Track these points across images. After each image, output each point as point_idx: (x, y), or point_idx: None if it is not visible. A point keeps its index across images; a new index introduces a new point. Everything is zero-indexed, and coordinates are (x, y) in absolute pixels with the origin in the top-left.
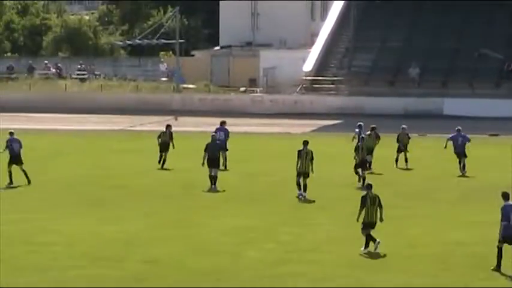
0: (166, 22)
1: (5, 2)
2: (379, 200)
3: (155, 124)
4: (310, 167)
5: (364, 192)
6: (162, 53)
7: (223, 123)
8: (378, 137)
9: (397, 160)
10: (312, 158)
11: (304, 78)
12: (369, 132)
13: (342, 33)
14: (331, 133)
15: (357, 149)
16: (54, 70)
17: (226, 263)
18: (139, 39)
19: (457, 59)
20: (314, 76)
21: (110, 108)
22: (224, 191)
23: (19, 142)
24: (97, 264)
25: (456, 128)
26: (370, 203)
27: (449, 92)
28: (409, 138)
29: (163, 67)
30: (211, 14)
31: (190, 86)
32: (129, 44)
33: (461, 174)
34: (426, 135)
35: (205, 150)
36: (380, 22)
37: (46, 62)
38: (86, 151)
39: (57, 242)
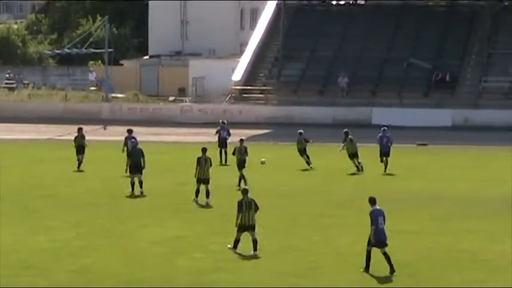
0: (96, 31)
1: None
2: (255, 204)
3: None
4: (209, 174)
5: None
6: (91, 62)
7: (130, 131)
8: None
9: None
10: (211, 165)
11: (233, 87)
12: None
13: (271, 42)
14: (261, 142)
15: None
16: None
17: (157, 272)
18: (68, 48)
19: (386, 68)
20: (243, 85)
21: (38, 118)
22: (148, 198)
23: None
24: (27, 274)
25: (382, 128)
26: (246, 208)
27: (378, 102)
28: (307, 142)
29: (92, 76)
30: (140, 23)
31: (119, 95)
32: (58, 53)
33: (384, 173)
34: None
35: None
36: (309, 31)
37: None
38: (15, 160)
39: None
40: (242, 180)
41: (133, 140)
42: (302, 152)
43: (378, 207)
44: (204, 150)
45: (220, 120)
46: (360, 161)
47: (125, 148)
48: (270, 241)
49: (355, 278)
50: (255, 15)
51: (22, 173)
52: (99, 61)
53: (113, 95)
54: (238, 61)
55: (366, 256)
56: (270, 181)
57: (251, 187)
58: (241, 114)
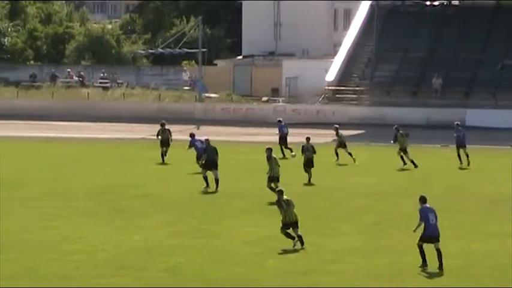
0: (189, 31)
1: (28, 10)
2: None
3: (177, 133)
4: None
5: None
6: (184, 62)
7: (192, 135)
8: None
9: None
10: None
11: (326, 88)
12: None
13: (365, 43)
14: (353, 143)
15: None
16: (76, 78)
17: (248, 272)
18: (162, 48)
19: (480, 69)
20: (336, 86)
21: (131, 117)
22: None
23: None
24: (119, 273)
25: (456, 123)
26: (286, 205)
27: (472, 103)
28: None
29: (185, 76)
30: (234, 24)
31: (213, 95)
32: (152, 53)
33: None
34: (449, 146)
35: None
36: (403, 32)
37: (69, 70)
38: (108, 160)
39: (80, 250)
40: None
41: (198, 141)
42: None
43: (427, 205)
44: (269, 150)
45: (278, 119)
46: (410, 157)
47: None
48: (364, 242)
49: (451, 280)
50: (348, 16)
51: (116, 172)
52: (193, 61)
53: (206, 95)
54: (332, 61)
55: (420, 252)
56: (362, 181)
57: (341, 188)
58: (334, 115)
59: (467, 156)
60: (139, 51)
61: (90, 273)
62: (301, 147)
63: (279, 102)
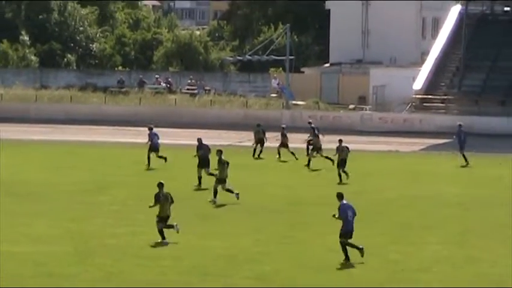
0: (277, 38)
1: (117, 16)
2: (171, 197)
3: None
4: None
5: None
6: (272, 69)
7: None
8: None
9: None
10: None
11: (413, 96)
12: None
13: (453, 52)
14: (440, 152)
15: None
16: (164, 84)
17: (334, 280)
18: (250, 55)
19: None
20: (424, 94)
21: (219, 123)
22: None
23: None
24: (205, 280)
25: (458, 123)
26: (164, 200)
27: None
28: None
29: (274, 82)
30: (321, 31)
31: (300, 102)
32: (239, 60)
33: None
34: None
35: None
36: (492, 41)
37: (157, 76)
38: (193, 165)
39: (165, 256)
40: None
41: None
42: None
43: (345, 201)
44: (220, 152)
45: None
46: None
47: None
48: (452, 252)
49: None
50: (436, 25)
51: (202, 178)
52: (280, 68)
53: (293, 102)
54: (419, 70)
55: (342, 249)
56: (448, 191)
57: (428, 197)
58: (421, 123)
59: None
60: (227, 57)
61: (175, 279)
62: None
63: (366, 110)
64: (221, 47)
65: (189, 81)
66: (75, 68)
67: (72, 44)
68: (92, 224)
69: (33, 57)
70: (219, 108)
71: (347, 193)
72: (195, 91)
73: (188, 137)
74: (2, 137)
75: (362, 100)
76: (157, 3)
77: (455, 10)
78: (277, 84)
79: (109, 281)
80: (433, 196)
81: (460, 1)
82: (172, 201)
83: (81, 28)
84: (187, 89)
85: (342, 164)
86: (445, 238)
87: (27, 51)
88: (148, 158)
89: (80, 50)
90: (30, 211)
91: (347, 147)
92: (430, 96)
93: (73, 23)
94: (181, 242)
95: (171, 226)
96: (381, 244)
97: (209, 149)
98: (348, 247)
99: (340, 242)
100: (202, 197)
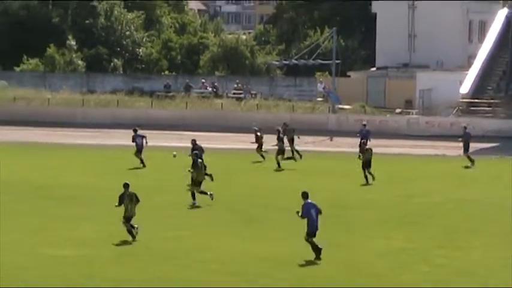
0: (323, 42)
1: (163, 20)
2: (136, 197)
3: (310, 144)
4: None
5: None
6: (318, 73)
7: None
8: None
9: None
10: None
11: (460, 100)
12: None
13: (500, 56)
14: (486, 156)
15: None
16: (210, 89)
17: (381, 284)
18: (296, 59)
19: None
20: (471, 98)
21: (265, 127)
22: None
23: None
24: (250, 283)
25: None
26: (129, 200)
27: None
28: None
29: (320, 86)
30: (367, 35)
31: (346, 106)
32: (286, 64)
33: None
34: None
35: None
36: None
37: (203, 80)
38: (241, 169)
39: (212, 260)
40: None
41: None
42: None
43: (309, 200)
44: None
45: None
46: None
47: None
48: (498, 256)
49: None
50: (483, 28)
51: (248, 182)
52: (326, 72)
53: (340, 106)
54: (466, 74)
55: (312, 247)
56: (495, 194)
57: (475, 201)
58: (468, 128)
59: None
60: (273, 62)
61: (221, 284)
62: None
63: (412, 114)
64: (267, 51)
65: (235, 85)
66: (121, 72)
67: (118, 49)
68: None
69: (80, 62)
70: (265, 113)
71: (394, 196)
72: (242, 95)
73: (235, 141)
74: (49, 141)
75: (408, 104)
76: (203, 7)
77: (502, 13)
78: (323, 88)
79: (153, 283)
80: (480, 200)
81: (507, 4)
82: (137, 201)
83: (127, 33)
84: (234, 93)
85: (366, 165)
86: (491, 242)
87: (74, 55)
88: (141, 160)
89: (127, 54)
90: (75, 215)
91: (371, 149)
92: (476, 100)
93: (119, 28)
94: (228, 246)
95: (133, 227)
96: (428, 248)
97: (203, 151)
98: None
99: (307, 241)
100: (247, 201)
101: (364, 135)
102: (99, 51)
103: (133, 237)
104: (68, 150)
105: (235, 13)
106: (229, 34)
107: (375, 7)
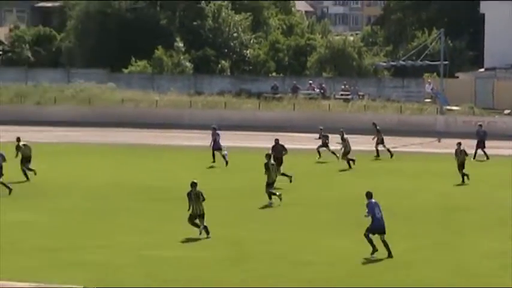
0: (431, 43)
1: (270, 22)
2: (202, 195)
3: (417, 146)
4: None
5: None
6: (426, 74)
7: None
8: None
9: None
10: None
11: None
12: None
13: None
14: None
15: None
16: (318, 90)
17: (481, 285)
18: (403, 61)
19: None
20: None
21: (372, 129)
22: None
23: (2, 156)
24: (357, 285)
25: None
26: (195, 198)
27: None
28: None
29: (428, 88)
30: (476, 36)
31: (454, 108)
32: (393, 65)
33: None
34: None
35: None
36: None
37: (310, 81)
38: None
39: (319, 261)
40: None
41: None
42: None
43: (373, 200)
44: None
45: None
46: None
47: None
48: None
49: None
50: None
51: (353, 183)
52: (434, 73)
53: (448, 107)
54: None
55: (368, 241)
56: None
57: None
58: None
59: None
60: (380, 63)
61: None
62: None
63: None
64: (375, 53)
65: (343, 86)
66: (229, 74)
67: (226, 50)
68: (245, 230)
69: (187, 64)
70: (372, 114)
71: (504, 199)
72: (349, 96)
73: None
74: (157, 143)
75: None
76: (310, 9)
77: None
78: (431, 89)
79: (260, 284)
80: None
81: None
82: (203, 199)
83: (235, 34)
84: (341, 95)
85: (460, 167)
86: None
87: (181, 57)
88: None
89: (234, 56)
90: (182, 216)
91: (465, 151)
92: None
93: (227, 29)
94: (336, 248)
95: (198, 226)
96: None
97: (285, 150)
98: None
99: (365, 235)
100: (356, 203)
101: (482, 136)
102: (206, 52)
103: (204, 228)
104: (176, 151)
105: (343, 14)
106: (337, 35)
107: (483, 8)
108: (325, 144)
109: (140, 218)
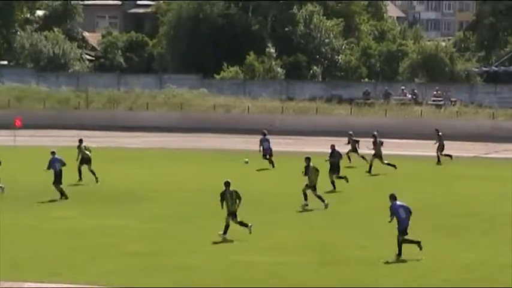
0: None
1: (362, 28)
2: (237, 194)
3: (510, 152)
4: None
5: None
6: None
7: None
8: None
9: None
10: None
11: None
12: None
13: None
14: None
15: None
16: (410, 96)
17: None
18: (496, 66)
19: None
20: None
21: (465, 135)
22: None
23: (61, 161)
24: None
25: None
26: (229, 197)
27: None
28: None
29: None
30: None
31: None
32: (485, 71)
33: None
34: None
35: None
36: None
37: (403, 87)
38: (435, 176)
39: (418, 266)
40: None
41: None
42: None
43: (397, 202)
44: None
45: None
46: None
47: None
48: None
49: None
50: None
51: (436, 189)
52: None
53: None
54: None
55: (407, 242)
56: None
57: None
58: None
59: None
60: (473, 69)
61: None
62: None
63: None
64: (467, 58)
65: (435, 92)
66: (320, 79)
67: (317, 56)
68: (334, 235)
69: (279, 69)
70: (465, 120)
71: None
72: (441, 102)
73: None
74: (248, 148)
75: None
76: (402, 14)
77: None
78: None
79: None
80: None
81: None
82: (239, 198)
83: (326, 40)
84: (433, 101)
85: None
86: None
87: (273, 63)
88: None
89: (326, 61)
90: (270, 221)
91: None
92: None
93: (318, 35)
94: (437, 254)
95: (245, 225)
96: None
97: (341, 156)
98: (405, 243)
99: (398, 239)
100: (441, 209)
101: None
102: (298, 58)
103: (246, 225)
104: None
105: (435, 20)
106: (429, 41)
107: None
108: (354, 149)
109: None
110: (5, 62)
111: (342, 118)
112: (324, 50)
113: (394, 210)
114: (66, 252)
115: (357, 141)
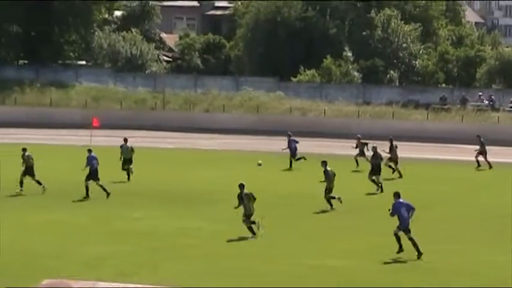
0: None
1: (440, 33)
2: (253, 196)
3: None
4: None
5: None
6: None
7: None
8: None
9: None
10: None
11: None
12: None
13: None
14: None
15: None
16: (487, 102)
17: None
18: None
19: None
20: None
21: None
22: None
23: (96, 159)
24: None
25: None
26: (247, 200)
27: None
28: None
29: None
30: None
31: None
32: None
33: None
34: None
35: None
36: None
37: (480, 93)
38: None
39: (463, 271)
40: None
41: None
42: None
43: (400, 200)
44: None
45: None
46: None
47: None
48: None
49: None
50: None
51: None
52: None
53: None
54: None
55: (396, 239)
56: None
57: None
58: None
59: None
60: None
61: None
62: None
63: None
64: None
65: None
66: (397, 84)
67: (395, 61)
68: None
69: (356, 73)
70: None
71: None
72: None
73: (509, 155)
74: (320, 152)
75: None
76: (481, 20)
77: None
78: None
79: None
80: None
81: None
82: (254, 199)
83: (404, 45)
84: (510, 107)
85: None
86: None
87: (350, 67)
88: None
89: (403, 66)
90: (343, 225)
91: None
92: None
93: (396, 40)
94: (479, 257)
95: (254, 222)
96: None
97: (381, 158)
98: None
99: (396, 233)
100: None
101: None
102: (375, 63)
103: (254, 233)
104: (334, 161)
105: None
106: (507, 47)
107: None
108: (362, 153)
109: (305, 226)
110: (83, 62)
111: (418, 123)
112: (401, 54)
113: (396, 209)
114: (140, 252)
115: (366, 144)
